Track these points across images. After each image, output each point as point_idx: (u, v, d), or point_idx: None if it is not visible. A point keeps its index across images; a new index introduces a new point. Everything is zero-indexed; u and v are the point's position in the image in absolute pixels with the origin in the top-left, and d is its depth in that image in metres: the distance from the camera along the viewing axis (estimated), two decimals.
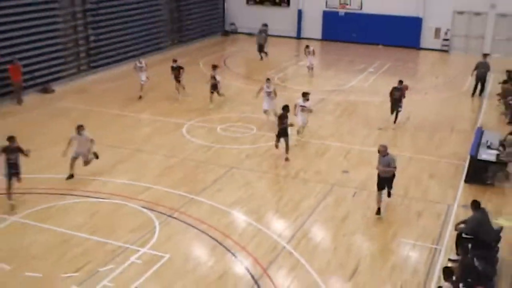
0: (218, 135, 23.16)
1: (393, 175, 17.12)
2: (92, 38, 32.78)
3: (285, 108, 20.63)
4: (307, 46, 33.61)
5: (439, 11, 38.46)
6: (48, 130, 23.81)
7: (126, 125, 24.39)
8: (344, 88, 30.51)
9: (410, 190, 18.72)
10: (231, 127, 23.32)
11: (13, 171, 17.24)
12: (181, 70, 27.85)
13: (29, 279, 14.04)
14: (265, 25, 38.39)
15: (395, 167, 16.85)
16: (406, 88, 24.81)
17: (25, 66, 27.87)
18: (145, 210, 17.21)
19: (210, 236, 15.88)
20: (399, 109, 24.26)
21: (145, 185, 18.75)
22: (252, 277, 14.14)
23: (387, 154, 16.78)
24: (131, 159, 20.99)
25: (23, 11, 28.03)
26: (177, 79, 27.91)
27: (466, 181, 19.23)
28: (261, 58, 36.73)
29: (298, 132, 22.44)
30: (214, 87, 26.57)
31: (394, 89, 24.26)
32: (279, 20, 43.32)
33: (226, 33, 44.10)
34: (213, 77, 26.46)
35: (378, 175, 17.11)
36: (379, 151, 16.93)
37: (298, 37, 42.86)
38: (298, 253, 15.10)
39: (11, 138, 17.28)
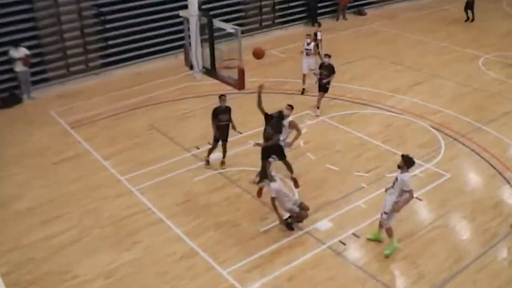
0: None
1: None
2: None
3: None
4: None
5: None
6: (359, 46, 23.94)
7: (427, 50, 23.45)
8: None
9: None
10: None
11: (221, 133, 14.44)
12: None
13: (328, 170, 14.54)
14: None
15: None
16: None
17: None
18: (433, 130, 16.58)
19: (491, 165, 14.79)
20: None
21: (436, 108, 17.98)
22: None
23: None
24: (427, 82, 20.19)
25: None
26: None
27: None
28: (468, 18, 28.18)
29: None
30: (317, 46, 20.37)
31: None
32: None
33: None
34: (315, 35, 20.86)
35: None
36: None
37: None
38: None
39: (221, 96, 14.42)
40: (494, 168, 14.67)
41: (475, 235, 12.24)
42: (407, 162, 10.96)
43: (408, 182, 10.91)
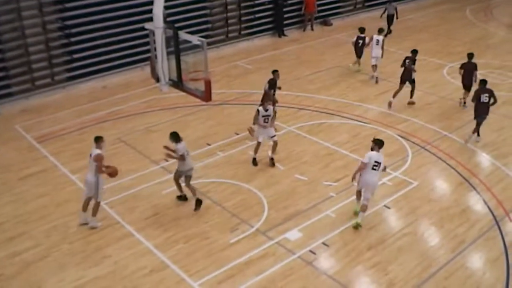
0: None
1: None
2: None
3: None
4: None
5: None
6: (326, 56, 24.27)
7: (392, 60, 23.68)
8: None
9: None
10: (491, 73, 21.58)
11: None
12: None
13: (297, 180, 14.70)
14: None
15: None
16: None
17: None
18: (400, 139, 16.86)
19: (458, 172, 15.11)
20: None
21: (403, 116, 18.30)
22: (494, 217, 13.23)
23: None
24: (393, 91, 20.42)
25: None
26: None
27: None
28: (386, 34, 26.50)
29: None
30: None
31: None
32: None
33: None
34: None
35: None
36: None
37: None
38: None
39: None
40: (461, 175, 14.98)
41: (444, 242, 12.46)
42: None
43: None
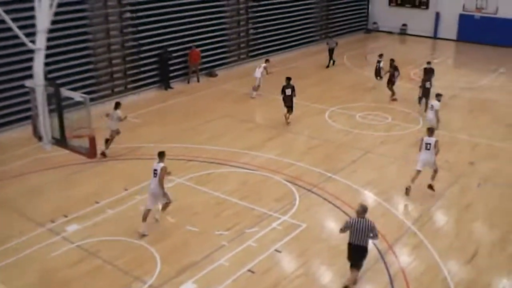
0: (357, 122, 22.74)
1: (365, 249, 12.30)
2: (251, 31, 33.33)
3: None
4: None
5: None
6: (213, 107, 24.62)
7: (278, 107, 24.49)
8: (474, 86, 28.84)
9: None
10: (368, 115, 22.82)
11: None
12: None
13: (189, 232, 14.66)
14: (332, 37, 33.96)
15: (375, 235, 12.23)
16: None
17: None
18: (288, 183, 17.31)
19: (343, 211, 15.69)
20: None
21: (289, 161, 18.84)
22: (379, 251, 13.82)
23: (363, 218, 12.00)
24: (280, 137, 21.17)
25: (197, 8, 29.25)
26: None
27: None
28: (328, 65, 32.60)
29: None
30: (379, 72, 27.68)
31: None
32: (417, 21, 41.59)
33: (368, 31, 43.06)
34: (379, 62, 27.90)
35: (349, 244, 12.29)
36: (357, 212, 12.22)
37: (435, 37, 41.09)
38: (422, 234, 14.54)
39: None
40: (346, 214, 15.52)
41: (335, 279, 12.86)
42: None
43: None
